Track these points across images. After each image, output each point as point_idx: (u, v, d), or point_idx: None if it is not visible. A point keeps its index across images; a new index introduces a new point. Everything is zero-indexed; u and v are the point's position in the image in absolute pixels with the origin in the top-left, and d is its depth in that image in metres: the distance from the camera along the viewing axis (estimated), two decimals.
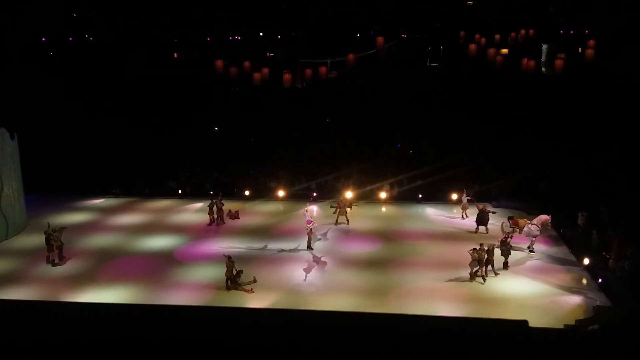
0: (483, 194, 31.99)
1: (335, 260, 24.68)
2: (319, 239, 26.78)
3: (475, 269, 22.19)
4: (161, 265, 24.35)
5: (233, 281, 21.81)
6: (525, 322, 17.92)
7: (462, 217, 29.47)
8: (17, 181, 28.96)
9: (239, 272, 21.93)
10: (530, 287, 21.77)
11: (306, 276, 23.10)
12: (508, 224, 25.26)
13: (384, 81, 49.70)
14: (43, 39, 57.81)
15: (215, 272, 23.15)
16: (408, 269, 23.50)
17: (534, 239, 24.95)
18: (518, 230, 25.15)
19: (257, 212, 31.54)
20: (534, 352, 16.32)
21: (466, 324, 18.81)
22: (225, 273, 21.85)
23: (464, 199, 29.58)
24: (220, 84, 44.79)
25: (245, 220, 30.13)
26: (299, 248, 25.95)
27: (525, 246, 25.22)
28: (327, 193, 33.32)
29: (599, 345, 16.74)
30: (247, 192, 33.63)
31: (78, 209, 32.40)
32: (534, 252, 24.88)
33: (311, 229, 25.72)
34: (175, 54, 58.00)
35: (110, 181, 34.78)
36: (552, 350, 16.46)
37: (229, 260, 21.91)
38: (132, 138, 40.71)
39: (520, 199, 31.40)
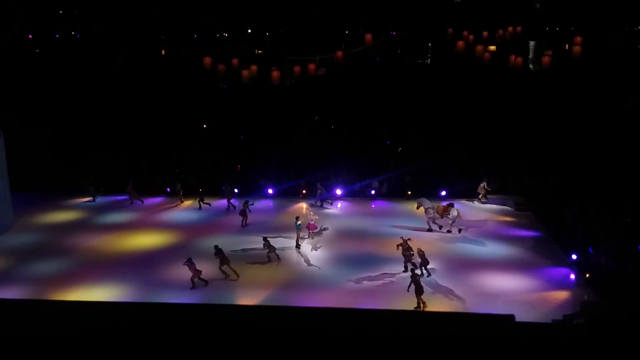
0: (471, 189, 32.21)
1: (325, 257, 24.73)
2: (308, 237, 26.78)
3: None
4: (150, 263, 24.26)
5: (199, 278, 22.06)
6: (511, 316, 18.05)
7: (480, 199, 31.38)
8: (3, 179, 28.65)
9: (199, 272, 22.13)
10: (518, 283, 21.96)
11: (295, 273, 23.15)
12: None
13: (372, 78, 49.72)
14: (30, 36, 57.28)
15: (207, 270, 23.09)
16: (398, 265, 23.55)
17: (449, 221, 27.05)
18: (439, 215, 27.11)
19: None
20: (521, 346, 16.43)
21: (452, 318, 18.92)
22: (191, 277, 21.91)
23: (482, 183, 31.14)
24: (208, 81, 44.56)
25: (234, 217, 30.05)
26: (288, 246, 25.94)
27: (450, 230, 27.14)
28: (317, 190, 33.33)
29: (586, 340, 16.88)
30: (235, 190, 33.54)
31: (65, 207, 32.14)
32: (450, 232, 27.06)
33: (300, 229, 25.79)
34: (163, 51, 57.64)
35: (96, 179, 34.47)
36: (539, 344, 16.58)
37: (190, 261, 21.92)
38: (119, 135, 40.39)
39: (507, 195, 31.66)
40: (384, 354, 16.58)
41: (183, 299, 21.00)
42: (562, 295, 20.86)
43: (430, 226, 27.46)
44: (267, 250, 24.21)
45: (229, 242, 26.29)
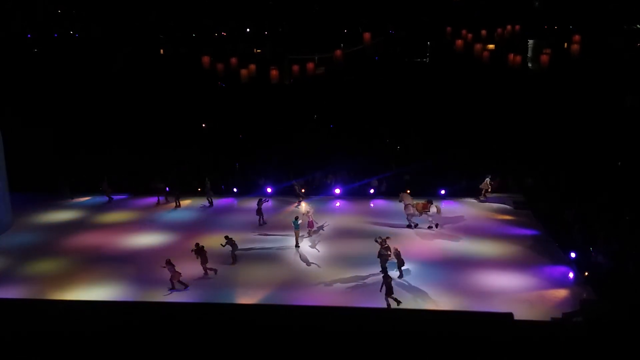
0: (471, 189, 32.26)
1: (324, 256, 24.73)
2: (308, 235, 26.82)
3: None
4: (149, 263, 24.24)
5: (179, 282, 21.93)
6: (510, 314, 18.06)
7: (484, 196, 31.32)
8: (2, 179, 28.64)
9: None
10: (518, 281, 21.97)
11: (295, 272, 23.17)
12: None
13: (371, 77, 49.71)
14: (29, 35, 57.33)
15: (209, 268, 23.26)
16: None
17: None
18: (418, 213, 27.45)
19: (245, 209, 31.50)
20: (520, 345, 16.44)
21: (451, 317, 18.91)
22: (170, 278, 21.80)
23: (487, 179, 31.19)
24: (208, 81, 44.56)
25: (233, 217, 30.11)
26: (287, 245, 25.96)
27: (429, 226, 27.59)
28: (316, 189, 33.41)
29: (585, 338, 16.90)
30: (235, 189, 33.58)
31: (64, 207, 32.15)
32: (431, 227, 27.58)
33: (298, 228, 25.78)
34: (162, 50, 57.66)
35: (96, 179, 34.47)
36: (538, 343, 16.59)
37: (169, 263, 21.81)
38: (117, 135, 40.37)
39: (507, 193, 31.69)
40: (384, 353, 16.59)
41: (182, 299, 21.01)
42: (561, 293, 20.87)
43: (410, 222, 27.76)
44: (231, 249, 24.04)
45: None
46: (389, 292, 19.79)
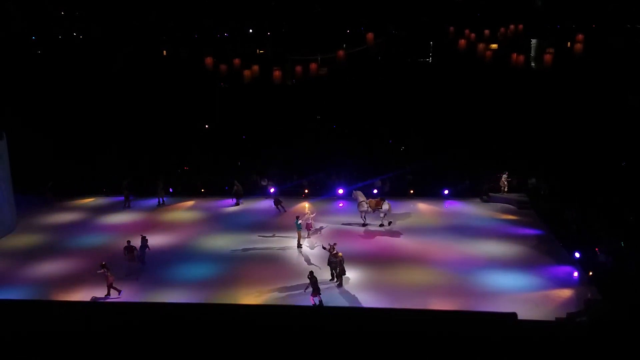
0: (473, 189, 32.19)
1: (326, 256, 24.49)
2: (309, 237, 26.76)
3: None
4: (153, 264, 24.21)
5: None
6: (514, 314, 17.93)
7: (503, 190, 31.77)
8: (6, 181, 28.68)
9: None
10: (522, 281, 21.84)
11: (296, 273, 23.06)
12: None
13: (374, 77, 49.60)
14: (33, 38, 57.41)
15: (209, 270, 23.29)
16: (400, 264, 23.51)
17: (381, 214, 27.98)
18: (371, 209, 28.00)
19: (248, 210, 31.48)
20: (523, 344, 16.33)
21: (455, 316, 18.79)
22: (107, 284, 21.48)
23: (503, 176, 31.68)
24: (209, 81, 44.51)
25: (237, 218, 30.07)
26: (290, 246, 25.91)
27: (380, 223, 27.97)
28: (319, 190, 33.34)
29: (588, 338, 16.78)
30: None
31: (68, 208, 32.17)
32: (382, 225, 27.89)
33: (300, 228, 25.78)
34: (165, 52, 57.62)
35: (99, 180, 34.49)
36: (542, 342, 16.48)
37: (104, 267, 21.49)
38: (120, 136, 40.35)
39: (510, 194, 31.59)
40: (385, 353, 16.51)
41: (183, 299, 20.94)
42: (566, 293, 20.72)
43: (364, 220, 28.17)
44: (139, 249, 24.05)
45: (229, 242, 26.41)
46: (316, 291, 19.98)
